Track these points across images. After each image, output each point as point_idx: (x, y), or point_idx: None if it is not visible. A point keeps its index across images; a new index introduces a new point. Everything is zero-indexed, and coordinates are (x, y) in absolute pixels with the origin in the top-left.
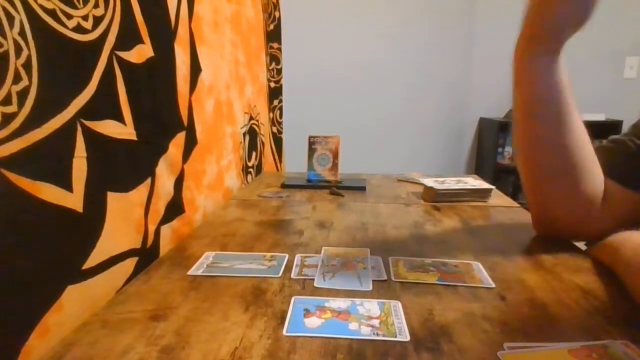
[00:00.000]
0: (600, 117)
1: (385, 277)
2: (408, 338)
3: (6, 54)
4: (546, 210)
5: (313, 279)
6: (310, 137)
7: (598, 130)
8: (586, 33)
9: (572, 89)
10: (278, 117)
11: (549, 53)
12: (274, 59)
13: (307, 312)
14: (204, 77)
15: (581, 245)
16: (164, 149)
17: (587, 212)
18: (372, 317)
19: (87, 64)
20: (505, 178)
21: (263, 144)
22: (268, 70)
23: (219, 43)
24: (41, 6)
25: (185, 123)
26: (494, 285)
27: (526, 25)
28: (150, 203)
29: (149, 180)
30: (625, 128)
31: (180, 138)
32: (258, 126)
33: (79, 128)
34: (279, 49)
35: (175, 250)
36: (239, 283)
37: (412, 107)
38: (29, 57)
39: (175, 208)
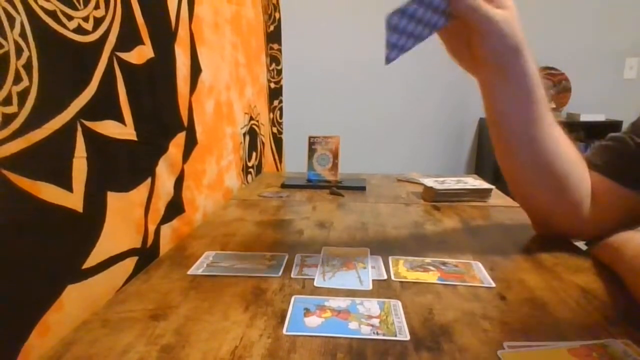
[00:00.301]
0: (600, 117)
1: (385, 277)
2: (408, 337)
3: (7, 54)
4: (537, 214)
5: (313, 279)
6: (310, 137)
7: (598, 130)
8: (586, 33)
9: (538, 96)
10: (278, 118)
11: (487, 80)
12: (274, 59)
13: (307, 312)
14: (204, 77)
15: (581, 245)
16: (164, 149)
17: (577, 212)
18: (372, 316)
19: (88, 65)
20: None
21: (263, 144)
22: (268, 71)
23: (219, 44)
24: (42, 7)
25: (186, 123)
26: (494, 285)
27: None
28: (150, 203)
29: (149, 180)
30: (625, 128)
31: (180, 138)
32: (258, 126)
33: (79, 128)
34: (279, 50)
35: (175, 250)
36: (239, 282)
37: (412, 107)
38: (29, 58)
39: (175, 208)
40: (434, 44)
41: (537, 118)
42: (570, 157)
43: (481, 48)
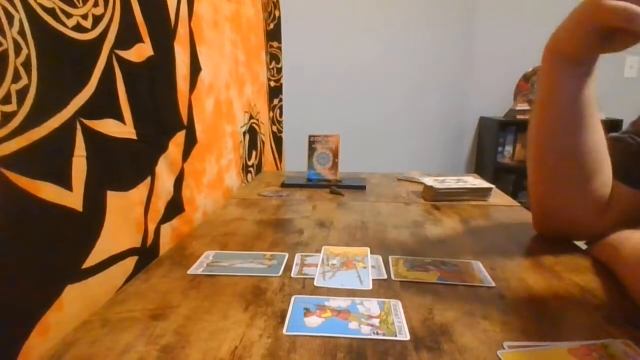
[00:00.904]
0: (600, 116)
1: (385, 276)
2: (408, 337)
3: (5, 52)
4: (553, 212)
5: (313, 278)
6: (310, 136)
7: None
8: None
9: (596, 95)
10: (278, 116)
11: (580, 67)
12: (274, 58)
13: (307, 311)
14: (204, 76)
15: (581, 244)
16: (163, 148)
17: (594, 214)
18: (372, 316)
19: (87, 63)
20: (505, 177)
21: (263, 143)
22: (268, 69)
23: (219, 42)
24: (40, 5)
25: (185, 122)
26: (494, 284)
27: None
28: (150, 202)
29: (148, 179)
30: (625, 127)
31: (180, 137)
32: (258, 125)
33: (79, 127)
34: (279, 48)
35: (175, 249)
36: (239, 282)
37: (412, 106)
38: (28, 56)
39: (175, 207)
40: (435, 44)
41: (595, 109)
42: (604, 154)
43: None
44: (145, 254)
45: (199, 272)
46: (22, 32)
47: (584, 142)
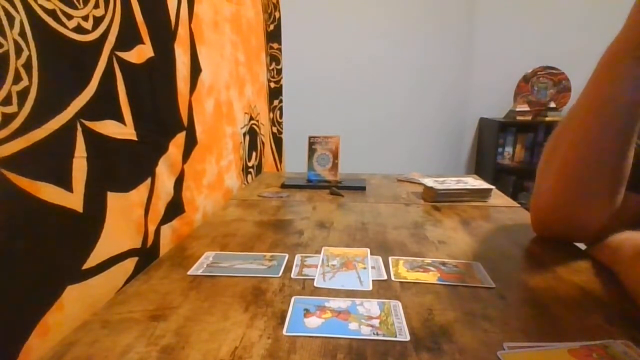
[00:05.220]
0: None
1: (385, 277)
2: (408, 338)
3: (6, 54)
4: (566, 214)
5: (313, 279)
6: (310, 137)
7: None
8: (586, 33)
9: None
10: (278, 117)
11: None
12: (274, 59)
13: (307, 312)
14: (204, 77)
15: (580, 245)
16: (164, 149)
17: (604, 220)
18: (372, 317)
19: (87, 65)
20: (505, 178)
21: (263, 144)
22: (268, 70)
23: (219, 43)
24: (41, 6)
25: (185, 123)
26: (494, 285)
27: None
28: (150, 203)
29: (149, 180)
30: None
31: (180, 138)
32: (258, 126)
33: (79, 128)
34: (279, 49)
35: (175, 250)
36: (239, 283)
37: (412, 107)
38: (29, 58)
39: (175, 208)
40: (434, 44)
41: None
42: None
43: None
44: (146, 255)
45: (199, 273)
46: (22, 34)
47: (631, 147)
